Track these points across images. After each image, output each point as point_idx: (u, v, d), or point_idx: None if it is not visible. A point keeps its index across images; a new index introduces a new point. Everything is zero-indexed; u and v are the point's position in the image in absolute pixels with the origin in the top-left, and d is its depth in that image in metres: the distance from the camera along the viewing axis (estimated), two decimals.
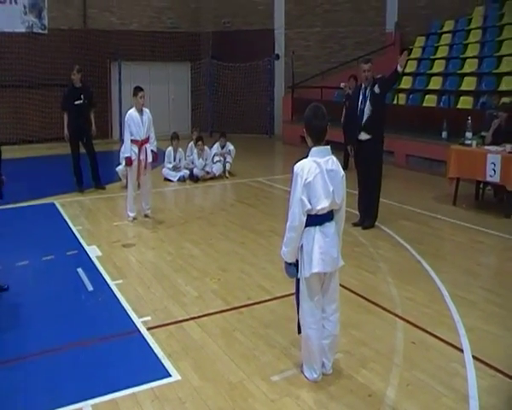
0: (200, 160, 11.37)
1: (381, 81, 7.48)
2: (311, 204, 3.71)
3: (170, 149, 11.52)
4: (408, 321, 4.90)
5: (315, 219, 3.77)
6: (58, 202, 9.37)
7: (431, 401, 3.74)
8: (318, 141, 3.80)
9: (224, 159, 11.64)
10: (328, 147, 3.83)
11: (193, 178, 11.23)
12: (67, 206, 9.15)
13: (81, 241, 7.26)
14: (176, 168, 11.37)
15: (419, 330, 4.74)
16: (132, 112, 8.07)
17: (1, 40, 15.57)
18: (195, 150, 11.39)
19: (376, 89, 7.42)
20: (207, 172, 11.38)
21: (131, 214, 8.23)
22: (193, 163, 11.41)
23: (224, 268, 6.28)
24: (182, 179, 11.20)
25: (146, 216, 8.38)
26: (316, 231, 3.77)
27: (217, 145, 11.72)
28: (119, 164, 10.66)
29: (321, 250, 3.75)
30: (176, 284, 5.83)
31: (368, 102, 7.50)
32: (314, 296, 3.85)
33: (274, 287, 5.67)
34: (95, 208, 9.10)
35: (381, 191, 7.83)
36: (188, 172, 11.33)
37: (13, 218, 8.48)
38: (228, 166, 11.66)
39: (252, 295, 5.50)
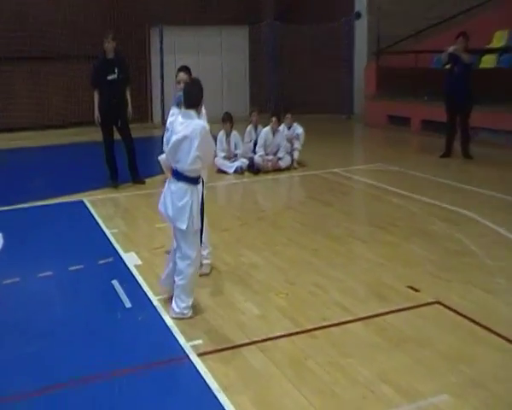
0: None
1: None
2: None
3: (221, 133, 11.63)
4: None
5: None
6: (88, 199, 9.59)
7: None
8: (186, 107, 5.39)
9: (291, 145, 11.65)
10: (191, 112, 5.34)
11: (253, 169, 11.30)
12: (99, 204, 9.36)
13: (116, 247, 7.42)
14: (229, 157, 11.49)
15: None
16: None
17: (19, 2, 16.00)
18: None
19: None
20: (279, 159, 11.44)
21: None
22: (253, 151, 11.50)
23: (292, 281, 6.28)
24: (239, 171, 11.29)
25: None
26: (168, 181, 5.48)
27: (282, 127, 11.71)
28: (161, 152, 10.83)
29: (163, 196, 5.47)
30: (233, 299, 5.88)
31: None
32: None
33: (355, 305, 5.63)
34: (132, 207, 9.31)
35: None
36: (246, 161, 11.42)
37: (35, 219, 8.77)
38: (296, 155, 11.66)
39: (327, 314, 5.48)
